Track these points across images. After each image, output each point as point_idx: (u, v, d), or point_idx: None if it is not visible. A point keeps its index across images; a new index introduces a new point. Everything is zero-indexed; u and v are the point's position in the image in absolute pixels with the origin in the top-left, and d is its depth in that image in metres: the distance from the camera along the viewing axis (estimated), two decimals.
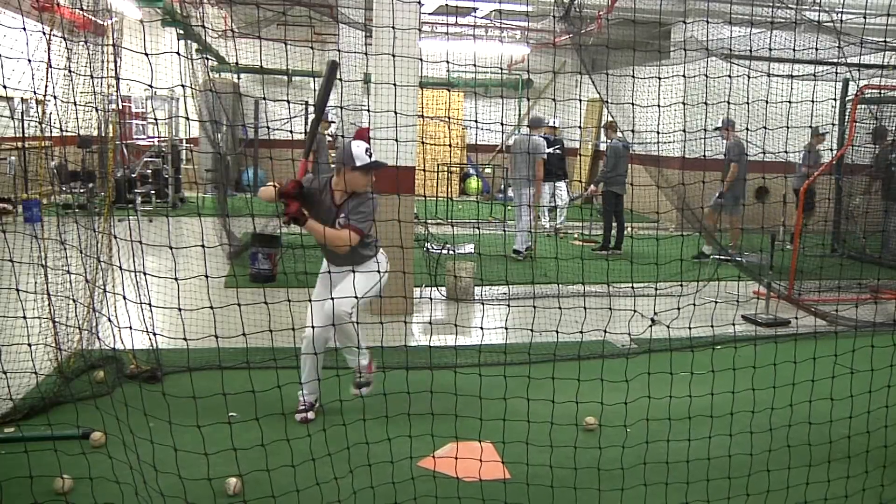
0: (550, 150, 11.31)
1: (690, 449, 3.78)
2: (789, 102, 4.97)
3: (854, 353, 3.87)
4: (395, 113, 4.39)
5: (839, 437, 3.86)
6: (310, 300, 4.34)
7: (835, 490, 3.59)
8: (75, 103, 4.14)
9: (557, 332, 4.10)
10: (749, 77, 6.06)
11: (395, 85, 4.39)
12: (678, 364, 4.64)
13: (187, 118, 6.40)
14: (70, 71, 4.34)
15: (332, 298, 4.21)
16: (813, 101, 4.67)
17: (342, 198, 4.38)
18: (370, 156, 4.30)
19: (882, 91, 9.48)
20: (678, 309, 4.41)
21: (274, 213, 9.87)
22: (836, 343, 3.94)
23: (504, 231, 10.43)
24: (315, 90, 15.91)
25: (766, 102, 5.23)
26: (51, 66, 4.37)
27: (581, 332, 4.23)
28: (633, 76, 4.70)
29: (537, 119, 10.54)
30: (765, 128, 4.86)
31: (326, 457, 3.56)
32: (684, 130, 4.90)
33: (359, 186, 4.34)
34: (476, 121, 4.59)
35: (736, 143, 10.08)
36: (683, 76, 4.73)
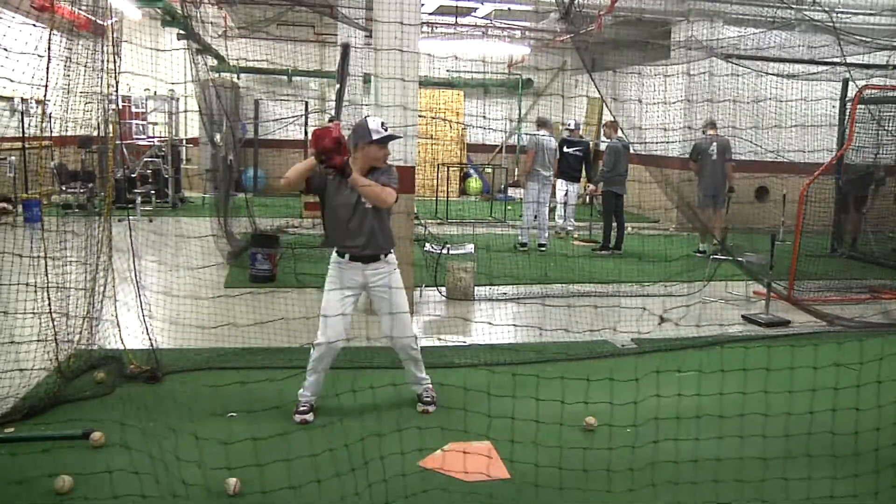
0: (572, 150, 11.43)
1: (687, 449, 3.78)
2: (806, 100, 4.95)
3: (850, 353, 3.88)
4: (399, 105, 4.38)
5: (839, 436, 3.86)
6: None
7: (838, 489, 3.60)
8: (73, 94, 4.13)
9: (542, 329, 4.10)
10: (741, 76, 6.06)
11: (382, 78, 4.39)
12: (677, 364, 4.67)
13: (191, 112, 6.40)
14: (70, 71, 4.35)
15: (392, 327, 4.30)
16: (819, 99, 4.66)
17: (362, 174, 4.30)
18: (385, 130, 4.31)
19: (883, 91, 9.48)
20: (686, 307, 4.40)
21: (275, 212, 9.89)
22: (840, 343, 3.94)
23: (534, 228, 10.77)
24: (314, 89, 15.75)
25: (772, 101, 5.22)
26: (51, 65, 4.36)
27: (573, 331, 4.22)
28: (617, 73, 4.69)
29: (545, 119, 11.16)
30: (772, 125, 4.85)
31: (326, 456, 3.56)
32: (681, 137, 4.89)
33: (376, 161, 4.31)
34: (485, 117, 4.62)
35: (700, 141, 10.35)
36: (689, 74, 4.72)
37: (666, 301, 7.45)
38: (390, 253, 4.44)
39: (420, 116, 5.86)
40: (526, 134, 16.63)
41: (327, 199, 4.36)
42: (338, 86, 4.76)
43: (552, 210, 12.04)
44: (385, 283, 4.37)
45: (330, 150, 3.95)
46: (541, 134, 10.73)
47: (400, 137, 4.64)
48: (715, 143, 10.22)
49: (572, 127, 12.16)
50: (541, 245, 10.65)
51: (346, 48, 4.73)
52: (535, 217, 10.71)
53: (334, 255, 4.42)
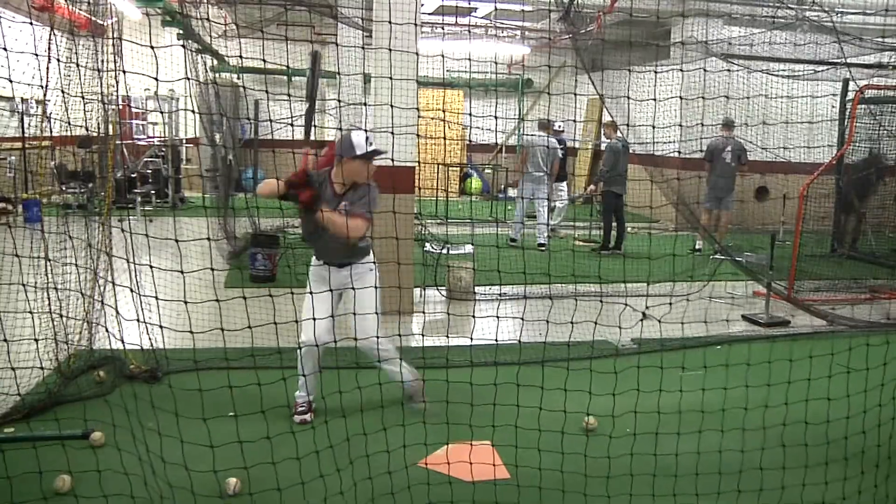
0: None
1: (690, 449, 3.78)
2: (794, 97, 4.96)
3: (851, 353, 3.88)
4: (392, 106, 4.33)
5: (838, 437, 3.86)
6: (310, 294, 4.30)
7: (833, 492, 3.60)
8: (83, 97, 4.13)
9: (547, 326, 4.10)
10: (748, 74, 6.07)
11: (392, 78, 4.36)
12: (677, 364, 4.67)
13: (192, 111, 6.40)
14: (70, 69, 4.34)
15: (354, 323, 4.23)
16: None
17: (343, 189, 4.33)
18: (370, 144, 4.27)
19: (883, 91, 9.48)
20: (670, 304, 4.41)
21: (276, 212, 9.87)
22: (840, 343, 3.94)
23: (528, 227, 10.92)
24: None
25: (766, 98, 5.23)
26: (51, 65, 4.36)
27: (572, 329, 4.22)
28: (631, 71, 4.68)
29: (547, 121, 11.49)
30: (763, 123, 4.86)
31: (327, 456, 3.56)
32: (681, 125, 4.87)
33: (359, 176, 4.28)
34: (491, 117, 4.59)
35: (716, 141, 10.39)
36: (682, 70, 4.72)
37: (665, 301, 7.44)
38: (366, 257, 4.46)
39: (419, 117, 5.85)
40: (524, 135, 16.69)
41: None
42: (307, 105, 4.64)
43: (551, 210, 12.10)
44: (356, 283, 4.34)
45: (297, 184, 3.99)
46: (537, 135, 10.93)
47: (385, 153, 4.47)
48: (730, 146, 10.25)
49: (561, 128, 12.35)
50: (540, 245, 10.69)
51: (315, 56, 4.64)
52: (535, 216, 10.80)
53: (314, 257, 4.50)
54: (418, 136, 4.71)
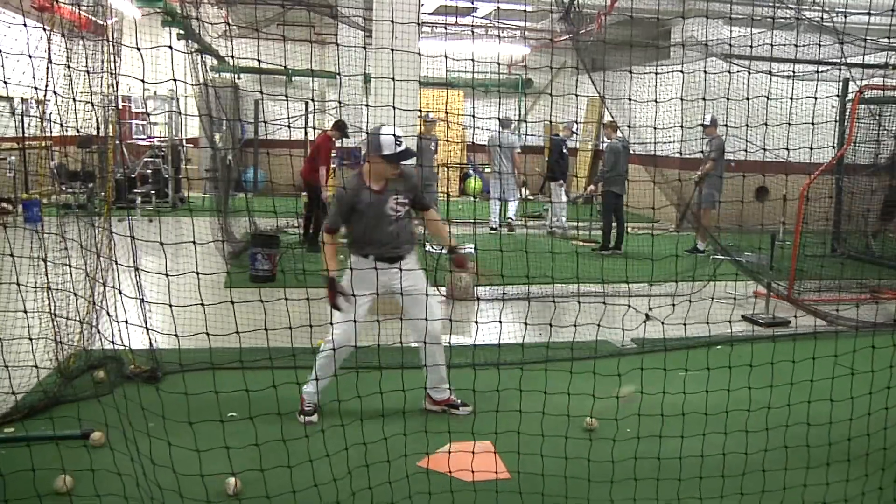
0: (563, 150, 11.99)
1: (692, 449, 3.78)
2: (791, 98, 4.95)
3: (854, 354, 3.87)
4: (394, 107, 4.30)
5: (838, 438, 3.85)
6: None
7: (835, 493, 3.59)
8: (75, 99, 4.14)
9: (551, 326, 4.09)
10: (748, 74, 6.05)
11: (393, 79, 4.34)
12: (677, 364, 4.67)
13: (190, 116, 6.39)
14: (70, 70, 4.34)
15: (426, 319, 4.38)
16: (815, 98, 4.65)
17: (381, 185, 4.24)
18: (399, 144, 4.11)
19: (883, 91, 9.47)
20: (673, 305, 4.40)
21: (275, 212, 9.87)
22: (835, 343, 3.94)
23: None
24: (315, 90, 15.78)
25: (767, 99, 5.22)
26: (51, 65, 4.36)
27: (576, 328, 4.21)
28: (631, 72, 4.68)
29: (509, 119, 12.74)
30: (766, 124, 4.85)
31: (325, 457, 3.56)
32: (682, 127, 4.86)
33: (388, 174, 4.19)
34: (476, 117, 4.57)
35: (721, 141, 10.40)
36: (682, 72, 4.71)
37: (665, 300, 7.43)
38: (413, 251, 4.49)
39: (419, 118, 5.84)
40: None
41: (361, 214, 4.26)
42: None
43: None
44: (411, 278, 4.38)
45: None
46: (497, 132, 11.52)
47: (414, 155, 4.29)
48: (727, 145, 10.31)
49: (575, 130, 12.50)
50: (509, 219, 12.12)
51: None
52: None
53: (354, 258, 4.32)
54: (419, 137, 4.69)
